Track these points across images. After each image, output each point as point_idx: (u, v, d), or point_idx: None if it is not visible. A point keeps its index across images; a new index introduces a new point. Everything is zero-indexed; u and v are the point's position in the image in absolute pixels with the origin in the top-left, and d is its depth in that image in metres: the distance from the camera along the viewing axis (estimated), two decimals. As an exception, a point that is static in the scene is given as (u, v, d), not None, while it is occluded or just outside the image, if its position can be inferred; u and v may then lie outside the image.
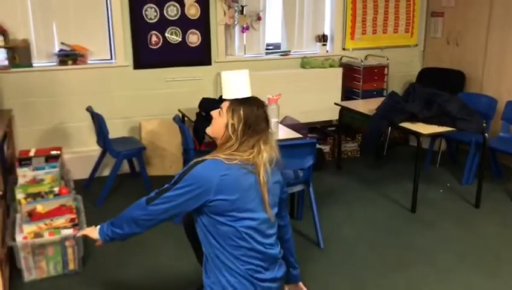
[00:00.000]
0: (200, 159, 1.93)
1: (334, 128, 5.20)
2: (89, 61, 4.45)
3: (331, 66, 5.13)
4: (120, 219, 2.05)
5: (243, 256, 1.94)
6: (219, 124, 2.02)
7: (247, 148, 1.95)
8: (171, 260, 3.14)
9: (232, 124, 1.96)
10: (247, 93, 2.07)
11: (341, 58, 5.30)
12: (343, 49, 5.37)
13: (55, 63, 4.35)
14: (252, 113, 1.97)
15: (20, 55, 4.15)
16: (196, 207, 1.91)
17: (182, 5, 4.59)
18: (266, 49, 5.13)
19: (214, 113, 2.08)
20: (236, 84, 2.06)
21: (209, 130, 2.11)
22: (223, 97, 2.09)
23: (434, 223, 3.67)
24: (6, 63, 4.16)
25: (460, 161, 4.77)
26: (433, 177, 4.59)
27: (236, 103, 2.00)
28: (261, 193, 1.94)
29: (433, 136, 4.59)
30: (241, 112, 1.97)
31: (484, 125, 3.82)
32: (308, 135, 4.60)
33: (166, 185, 1.94)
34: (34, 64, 4.27)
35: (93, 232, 2.14)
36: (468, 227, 3.62)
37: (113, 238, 2.09)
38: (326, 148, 5.04)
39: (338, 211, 3.88)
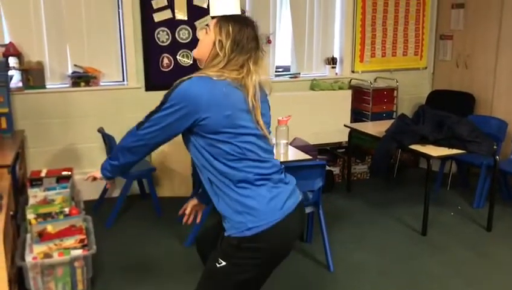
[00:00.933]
0: (186, 77, 1.84)
1: (343, 150, 5.19)
2: (101, 83, 4.52)
3: (340, 88, 5.15)
4: (115, 151, 2.00)
5: (247, 167, 1.84)
6: (206, 42, 1.91)
7: (236, 67, 1.85)
8: (180, 283, 3.12)
9: (220, 41, 1.86)
10: (236, 10, 1.95)
11: (350, 81, 5.33)
12: (353, 71, 5.39)
13: (68, 85, 4.42)
14: (241, 30, 1.88)
15: (34, 77, 4.23)
16: (187, 127, 1.85)
17: (194, 29, 4.66)
18: (276, 72, 5.17)
19: (201, 33, 1.96)
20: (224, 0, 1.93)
21: (194, 52, 1.98)
22: (210, 14, 1.97)
23: (445, 247, 3.63)
24: (20, 84, 4.24)
25: (471, 184, 4.73)
26: (444, 200, 4.55)
27: (224, 18, 1.91)
28: (251, 111, 1.85)
29: (444, 159, 4.56)
30: (230, 28, 1.87)
31: (495, 147, 3.80)
32: (318, 157, 4.59)
33: (154, 108, 1.86)
34: (47, 86, 4.34)
35: (98, 172, 2.11)
36: (479, 250, 3.57)
37: (112, 172, 2.05)
38: (335, 170, 5.03)
39: (348, 233, 3.85)
